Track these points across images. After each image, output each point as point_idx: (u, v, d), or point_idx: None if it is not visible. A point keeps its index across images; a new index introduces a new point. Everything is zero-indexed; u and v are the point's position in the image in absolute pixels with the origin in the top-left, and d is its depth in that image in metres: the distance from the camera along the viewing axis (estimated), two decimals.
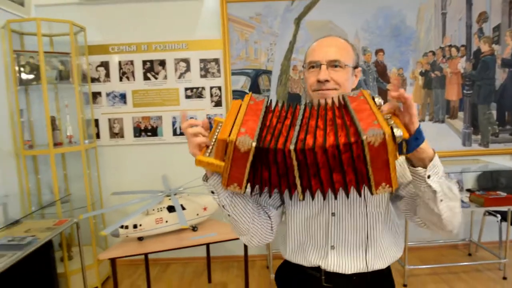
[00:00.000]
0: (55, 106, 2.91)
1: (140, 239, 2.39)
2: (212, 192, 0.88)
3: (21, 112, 2.63)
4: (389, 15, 2.99)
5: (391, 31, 3.01)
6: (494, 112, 3.12)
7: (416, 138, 0.74)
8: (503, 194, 2.68)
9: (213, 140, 0.79)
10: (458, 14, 3.03)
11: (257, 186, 0.81)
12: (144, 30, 2.95)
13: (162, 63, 2.98)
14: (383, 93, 3.07)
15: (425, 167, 0.79)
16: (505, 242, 2.79)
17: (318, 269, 1.03)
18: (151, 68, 2.99)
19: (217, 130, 0.81)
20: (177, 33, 2.95)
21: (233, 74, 2.99)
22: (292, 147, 0.69)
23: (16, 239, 2.09)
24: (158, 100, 3.01)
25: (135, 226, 2.31)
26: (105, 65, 2.98)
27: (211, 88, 3.01)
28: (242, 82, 3.00)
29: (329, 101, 0.81)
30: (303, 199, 0.77)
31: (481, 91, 3.10)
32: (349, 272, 1.00)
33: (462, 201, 2.74)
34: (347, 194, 0.75)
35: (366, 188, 0.73)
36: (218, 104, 3.02)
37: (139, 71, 2.99)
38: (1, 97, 2.53)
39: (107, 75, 2.99)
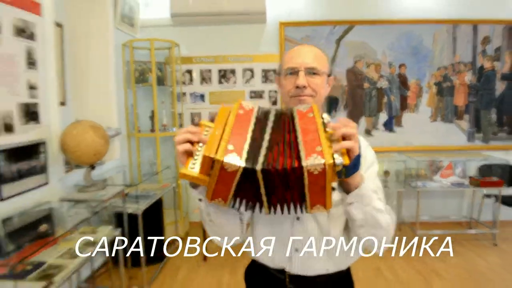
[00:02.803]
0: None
1: None
2: (200, 200, 0.89)
3: (130, 106, 3.60)
4: (410, 38, 3.82)
5: (411, 50, 3.84)
6: (494, 116, 3.91)
7: (354, 164, 0.75)
8: (496, 178, 3.47)
9: (199, 149, 0.77)
10: (466, 37, 3.83)
11: (237, 199, 0.80)
12: (220, 46, 3.89)
13: (233, 71, 3.91)
14: (404, 99, 3.91)
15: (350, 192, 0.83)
16: (497, 217, 3.55)
17: (282, 271, 1.05)
18: (224, 75, 3.92)
19: (204, 134, 0.80)
20: (245, 49, 3.88)
21: None
22: (259, 167, 0.69)
23: (143, 192, 3.04)
24: (229, 99, 3.94)
25: None
26: (189, 72, 3.93)
27: (269, 91, 3.92)
28: None
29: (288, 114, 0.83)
30: (269, 213, 0.80)
31: (483, 99, 3.89)
32: (312, 274, 1.03)
33: (463, 184, 3.54)
34: (295, 211, 0.78)
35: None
36: (274, 103, 3.93)
37: (215, 77, 3.93)
38: (120, 95, 3.50)
39: (191, 79, 3.94)
